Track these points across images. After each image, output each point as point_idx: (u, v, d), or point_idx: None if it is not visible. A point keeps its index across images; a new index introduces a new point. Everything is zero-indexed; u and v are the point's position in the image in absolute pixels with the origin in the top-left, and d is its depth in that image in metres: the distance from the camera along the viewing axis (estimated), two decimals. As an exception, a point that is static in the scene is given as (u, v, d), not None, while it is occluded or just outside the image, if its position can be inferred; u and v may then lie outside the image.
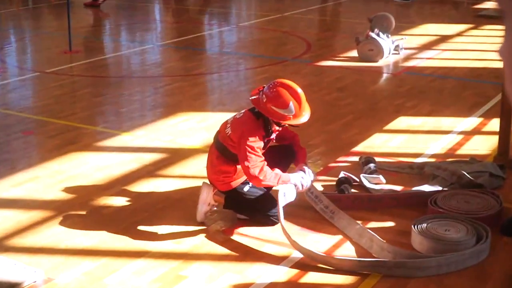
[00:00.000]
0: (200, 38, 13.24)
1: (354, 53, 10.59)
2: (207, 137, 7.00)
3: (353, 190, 5.62)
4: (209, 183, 5.27)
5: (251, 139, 4.87)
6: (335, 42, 12.70)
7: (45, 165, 6.31)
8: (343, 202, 5.30)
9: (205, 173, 6.01)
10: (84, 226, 5.12)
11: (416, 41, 11.92)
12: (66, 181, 5.94)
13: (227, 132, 5.06)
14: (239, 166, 5.04)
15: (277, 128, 5.07)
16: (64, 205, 5.47)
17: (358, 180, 5.79)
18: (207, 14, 15.24)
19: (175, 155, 6.55)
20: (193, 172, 6.14)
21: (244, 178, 5.11)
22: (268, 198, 5.17)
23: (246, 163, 4.83)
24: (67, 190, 5.77)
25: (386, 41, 10.38)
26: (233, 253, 4.74)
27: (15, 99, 8.56)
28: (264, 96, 4.93)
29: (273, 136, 5.14)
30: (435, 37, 12.40)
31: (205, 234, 4.97)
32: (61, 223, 5.16)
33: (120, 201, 5.55)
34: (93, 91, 8.91)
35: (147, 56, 11.31)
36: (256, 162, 4.85)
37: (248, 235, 4.96)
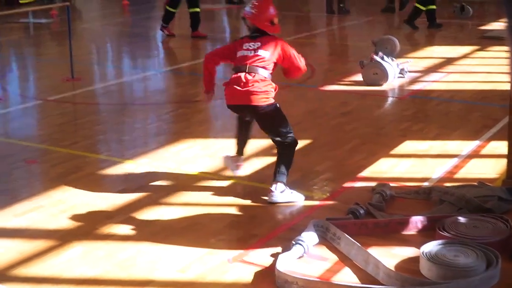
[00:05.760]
0: (204, 64, 13.16)
1: (358, 77, 10.54)
2: (211, 164, 6.95)
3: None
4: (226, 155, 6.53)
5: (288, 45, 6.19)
6: (339, 66, 12.65)
7: (48, 194, 6.26)
8: (349, 228, 5.23)
9: (209, 200, 5.98)
10: (88, 255, 5.06)
11: (421, 64, 11.86)
12: (70, 210, 5.88)
13: (260, 55, 6.11)
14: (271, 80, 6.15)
15: None
16: (68, 235, 5.41)
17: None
18: (210, 40, 15.20)
19: (179, 183, 6.49)
20: (197, 200, 6.08)
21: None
22: None
23: (301, 60, 6.20)
24: (71, 219, 5.71)
25: (391, 65, 10.33)
26: (238, 281, 4.67)
27: (17, 127, 8.51)
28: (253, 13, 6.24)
29: None
30: (440, 60, 12.34)
31: (210, 263, 4.90)
32: (65, 253, 5.10)
33: (123, 230, 5.49)
34: (95, 119, 8.88)
35: (150, 82, 11.27)
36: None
37: (254, 263, 4.89)
